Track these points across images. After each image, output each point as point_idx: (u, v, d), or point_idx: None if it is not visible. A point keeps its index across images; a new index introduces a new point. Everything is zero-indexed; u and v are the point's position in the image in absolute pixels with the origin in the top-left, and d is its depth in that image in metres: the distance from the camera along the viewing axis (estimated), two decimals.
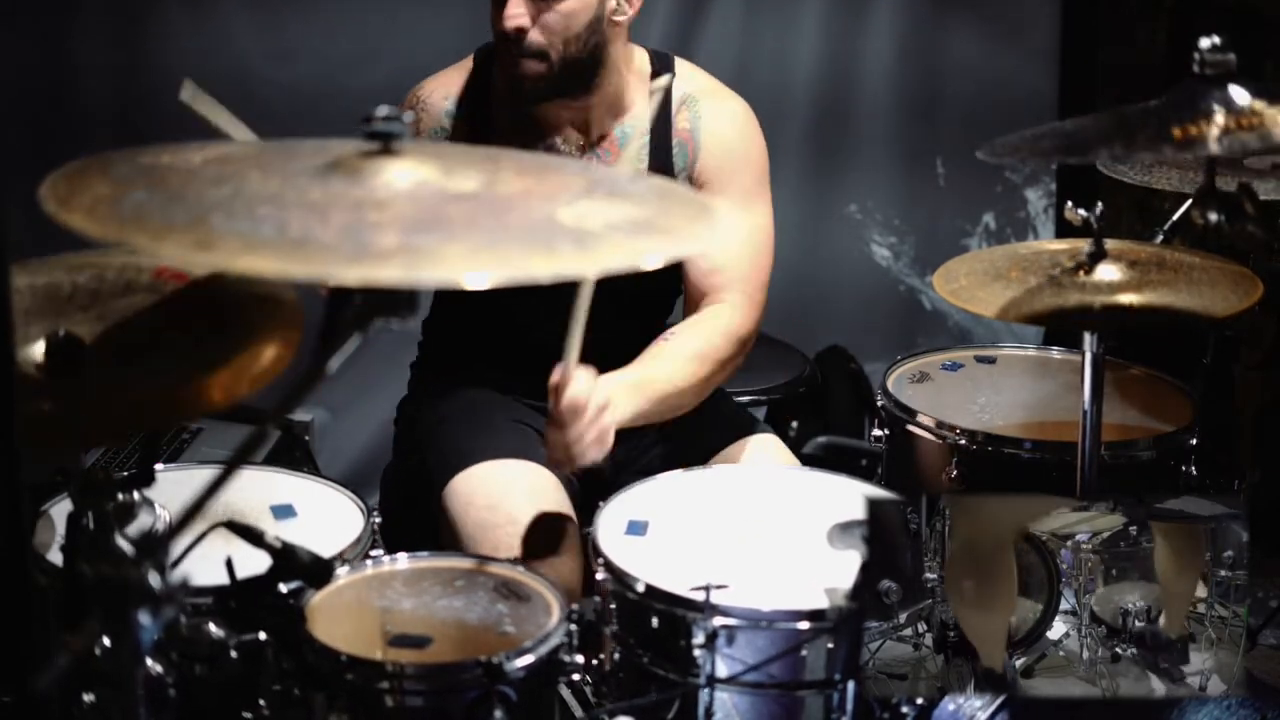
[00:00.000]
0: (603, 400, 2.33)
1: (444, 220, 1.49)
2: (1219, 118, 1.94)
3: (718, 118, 2.68)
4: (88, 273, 1.87)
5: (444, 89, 2.69)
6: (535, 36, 2.51)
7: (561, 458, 2.33)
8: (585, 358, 2.72)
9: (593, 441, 2.32)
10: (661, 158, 2.66)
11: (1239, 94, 1.99)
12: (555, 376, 2.30)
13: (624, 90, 2.65)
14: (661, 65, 2.69)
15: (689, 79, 2.70)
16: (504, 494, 2.53)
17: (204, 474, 2.37)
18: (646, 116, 2.63)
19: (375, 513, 2.33)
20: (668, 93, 2.67)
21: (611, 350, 2.77)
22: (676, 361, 2.56)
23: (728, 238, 2.64)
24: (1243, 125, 1.93)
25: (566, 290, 2.60)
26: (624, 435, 2.72)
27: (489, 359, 2.79)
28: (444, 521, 2.58)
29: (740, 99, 2.73)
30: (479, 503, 2.53)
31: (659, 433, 2.73)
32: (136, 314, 1.78)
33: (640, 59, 2.68)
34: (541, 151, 2.60)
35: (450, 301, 2.83)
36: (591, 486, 2.66)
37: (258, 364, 1.66)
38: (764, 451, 2.73)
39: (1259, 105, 1.97)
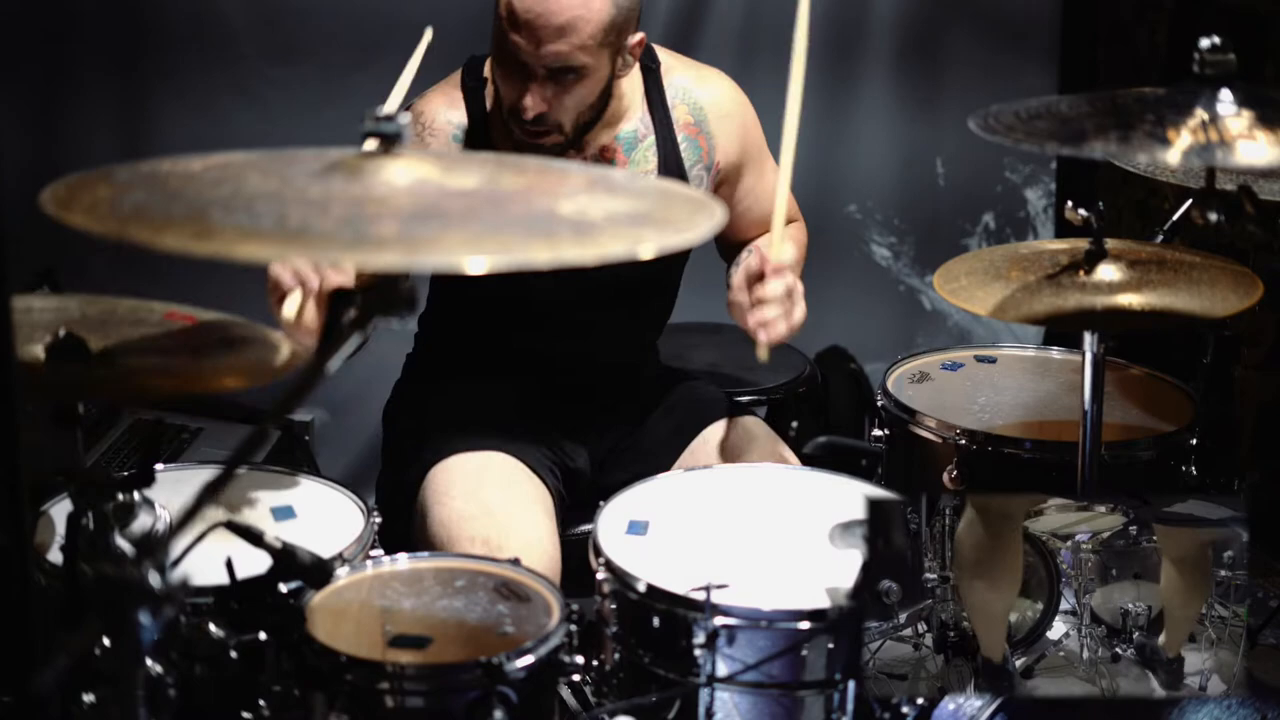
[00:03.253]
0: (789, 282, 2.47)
1: (444, 212, 1.49)
2: (1190, 128, 1.95)
3: (716, 105, 2.73)
4: (99, 306, 1.91)
5: (446, 111, 2.65)
6: (552, 116, 2.51)
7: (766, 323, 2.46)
8: (587, 348, 2.73)
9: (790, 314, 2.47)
10: (669, 152, 2.69)
11: (1225, 103, 1.99)
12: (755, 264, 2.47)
13: (618, 101, 2.65)
14: (646, 58, 2.70)
15: (674, 70, 2.73)
16: (478, 485, 2.54)
17: (204, 474, 2.38)
18: (643, 118, 2.67)
19: (375, 512, 2.33)
20: (660, 87, 2.70)
21: (613, 340, 2.78)
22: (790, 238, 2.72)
23: (771, 187, 2.73)
24: (1210, 137, 1.93)
25: (556, 297, 2.63)
26: (602, 434, 2.75)
27: (480, 365, 2.79)
28: (419, 513, 2.57)
29: (720, 74, 2.79)
30: (455, 492, 2.53)
31: (635, 437, 2.76)
32: (139, 338, 1.80)
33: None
34: None
35: (443, 307, 2.83)
36: (579, 487, 2.68)
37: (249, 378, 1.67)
38: (741, 430, 2.76)
39: (1242, 116, 1.97)
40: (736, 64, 2.78)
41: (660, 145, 2.68)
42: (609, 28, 2.46)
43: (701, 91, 2.73)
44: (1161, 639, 2.22)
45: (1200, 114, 1.98)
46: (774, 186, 2.81)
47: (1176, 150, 1.92)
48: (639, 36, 2.57)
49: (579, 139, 2.58)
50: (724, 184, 2.78)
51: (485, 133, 2.63)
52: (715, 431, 2.76)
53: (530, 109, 2.48)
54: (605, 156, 2.66)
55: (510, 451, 2.62)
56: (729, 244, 2.87)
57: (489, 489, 2.54)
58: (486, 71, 2.64)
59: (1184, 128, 1.95)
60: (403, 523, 2.62)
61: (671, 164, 2.69)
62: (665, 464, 2.71)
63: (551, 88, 2.48)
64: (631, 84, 2.66)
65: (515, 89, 2.49)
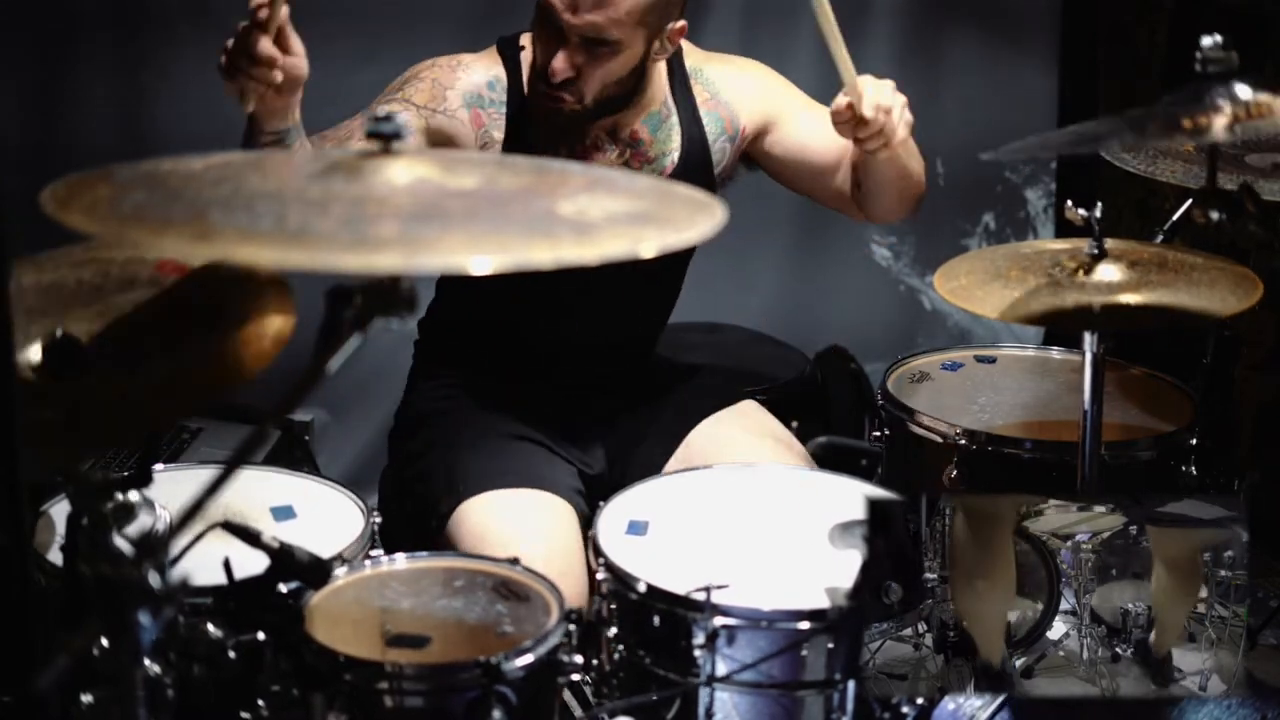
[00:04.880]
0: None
1: (444, 212, 1.49)
2: (1226, 109, 1.96)
3: (727, 76, 2.78)
4: (91, 268, 1.87)
5: (483, 64, 2.65)
6: (578, 84, 2.54)
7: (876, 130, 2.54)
8: (595, 347, 2.73)
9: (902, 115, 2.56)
10: (692, 130, 2.72)
11: (1242, 89, 2.01)
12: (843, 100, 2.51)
13: (651, 86, 2.69)
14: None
15: (691, 53, 2.77)
16: (517, 528, 2.48)
17: (204, 474, 2.38)
18: (667, 101, 2.71)
19: (375, 512, 2.33)
20: (682, 67, 2.74)
21: (620, 339, 2.79)
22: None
23: (829, 134, 2.67)
24: (1251, 115, 1.94)
25: (559, 297, 2.63)
26: (613, 432, 2.75)
27: (486, 363, 2.79)
28: (449, 547, 2.52)
29: (732, 56, 2.84)
30: (491, 536, 2.47)
31: (642, 410, 2.77)
32: (132, 310, 1.78)
33: None
34: (580, 150, 2.65)
35: (448, 305, 2.82)
36: (593, 487, 2.67)
37: (256, 346, 1.64)
38: (748, 416, 2.76)
39: (1263, 97, 1.99)
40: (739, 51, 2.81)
41: (684, 124, 2.71)
42: (648, 8, 2.50)
43: (714, 69, 2.77)
44: (1152, 638, 2.22)
45: (1224, 103, 1.99)
46: (823, 132, 2.72)
47: (1218, 130, 1.94)
48: (681, 24, 2.60)
49: (598, 112, 2.59)
50: (758, 143, 2.79)
51: (521, 90, 2.64)
52: (712, 420, 2.76)
53: (558, 73, 2.51)
54: (633, 138, 2.69)
55: (536, 483, 2.58)
56: (826, 193, 2.85)
57: (521, 533, 2.47)
58: (523, 41, 2.66)
59: (1219, 114, 1.97)
60: (405, 522, 2.62)
61: (695, 141, 2.72)
62: (666, 451, 2.72)
63: (582, 55, 2.52)
64: (658, 68, 2.69)
65: (547, 51, 2.53)
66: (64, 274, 1.87)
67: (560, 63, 2.51)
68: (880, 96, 2.53)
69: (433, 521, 2.56)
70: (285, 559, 1.87)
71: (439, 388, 2.81)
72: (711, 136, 2.74)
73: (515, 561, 2.19)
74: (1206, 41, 2.03)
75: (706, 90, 2.75)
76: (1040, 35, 4.28)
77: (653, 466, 2.65)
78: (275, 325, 1.66)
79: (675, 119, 2.71)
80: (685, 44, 2.77)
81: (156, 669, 1.61)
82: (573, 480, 2.66)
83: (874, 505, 2.11)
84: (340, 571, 2.10)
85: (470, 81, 2.62)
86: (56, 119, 3.70)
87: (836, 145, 2.75)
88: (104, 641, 1.47)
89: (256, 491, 2.35)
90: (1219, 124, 1.95)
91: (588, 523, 2.59)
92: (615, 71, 2.54)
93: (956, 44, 4.23)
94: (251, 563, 1.90)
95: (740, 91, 2.78)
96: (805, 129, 2.79)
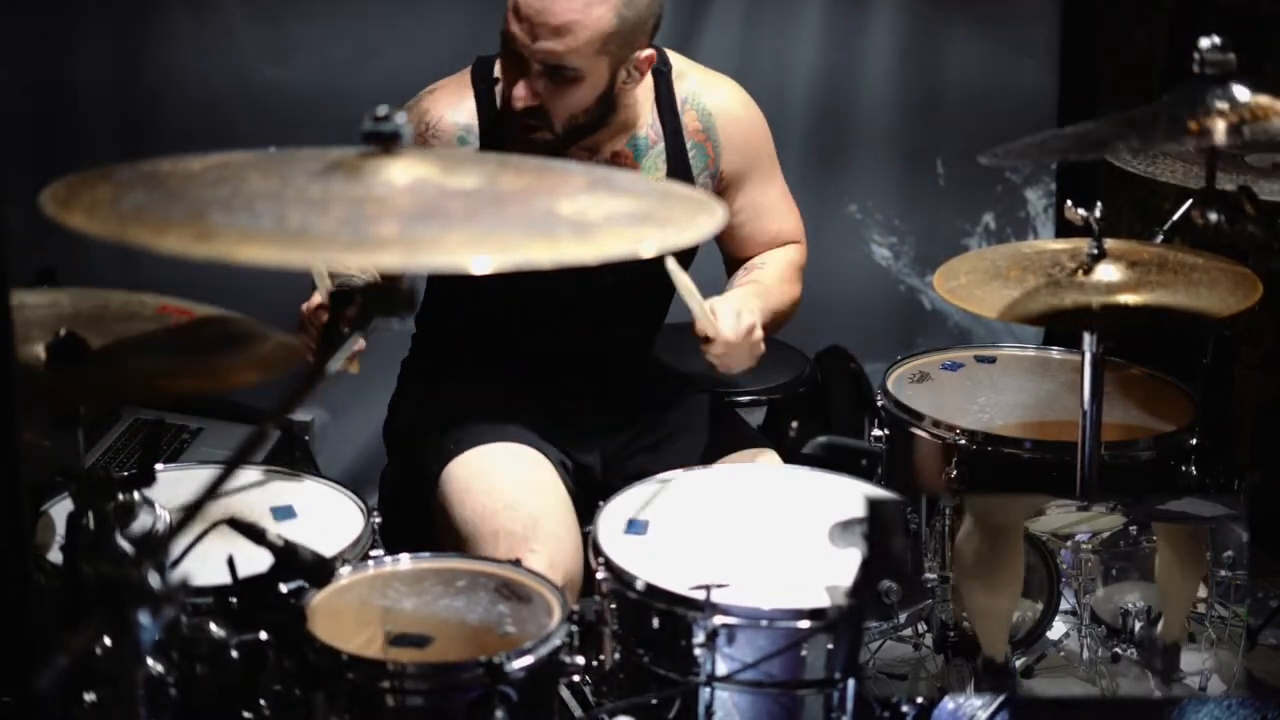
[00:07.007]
0: (751, 320, 2.52)
1: (444, 212, 1.50)
2: (1224, 113, 1.96)
3: (725, 112, 2.72)
4: (91, 303, 1.89)
5: (452, 111, 2.63)
6: (546, 113, 2.51)
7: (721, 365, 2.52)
8: (585, 357, 2.73)
9: (750, 349, 2.52)
10: (678, 160, 2.67)
11: (1241, 91, 2.01)
12: (701, 327, 2.49)
13: (631, 108, 2.64)
14: (657, 62, 2.68)
15: (685, 75, 2.72)
16: (501, 478, 2.53)
17: (204, 474, 2.38)
18: (654, 124, 2.66)
19: (375, 512, 2.33)
20: (670, 92, 2.68)
21: (611, 348, 2.78)
22: (779, 283, 2.75)
23: (776, 204, 2.81)
24: (1248, 118, 1.95)
25: (556, 299, 2.62)
26: (611, 435, 2.74)
27: (482, 364, 2.78)
28: (440, 509, 2.56)
29: (731, 81, 2.78)
30: (476, 488, 2.52)
31: (645, 440, 2.75)
32: (140, 334, 1.80)
33: None
34: None
35: (443, 306, 2.82)
36: (587, 486, 2.67)
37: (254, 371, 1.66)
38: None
39: (1262, 100, 1.99)
40: (732, 74, 2.77)
41: (670, 152, 2.66)
42: (609, 37, 2.46)
43: (711, 97, 2.71)
44: (1159, 628, 2.22)
45: (1223, 105, 1.99)
46: (779, 204, 2.82)
47: (1218, 134, 1.94)
48: (649, 53, 2.55)
49: (570, 140, 2.56)
50: (725, 193, 2.73)
51: (495, 137, 2.62)
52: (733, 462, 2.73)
53: (519, 100, 2.49)
54: (618, 162, 2.65)
55: (526, 442, 2.61)
56: (729, 258, 2.85)
57: (509, 482, 2.53)
58: (497, 72, 2.62)
59: (1217, 118, 1.97)
60: (405, 522, 2.62)
61: (680, 171, 2.68)
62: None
63: (544, 83, 2.49)
64: (643, 89, 2.64)
65: (511, 78, 2.51)
66: (60, 300, 1.90)
67: (521, 90, 2.49)
68: (729, 331, 2.50)
69: (425, 486, 2.59)
70: (289, 557, 1.87)
71: (430, 382, 2.82)
72: (696, 170, 2.69)
73: (517, 562, 2.19)
74: (1204, 43, 2.03)
75: (699, 120, 2.69)
76: (1040, 35, 4.28)
77: None
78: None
79: (662, 145, 2.66)
80: (678, 60, 2.72)
81: (159, 668, 1.62)
82: (562, 455, 2.67)
83: (874, 505, 2.11)
84: (342, 571, 2.10)
85: (443, 143, 2.60)
86: (57, 144, 3.71)
87: (775, 227, 2.81)
88: (105, 641, 1.48)
89: (256, 491, 2.35)
90: (1220, 128, 1.95)
91: (573, 496, 2.62)
92: (581, 101, 2.51)
93: (956, 44, 4.23)
94: (253, 563, 1.90)
95: (731, 131, 2.71)
96: (760, 201, 2.78)
